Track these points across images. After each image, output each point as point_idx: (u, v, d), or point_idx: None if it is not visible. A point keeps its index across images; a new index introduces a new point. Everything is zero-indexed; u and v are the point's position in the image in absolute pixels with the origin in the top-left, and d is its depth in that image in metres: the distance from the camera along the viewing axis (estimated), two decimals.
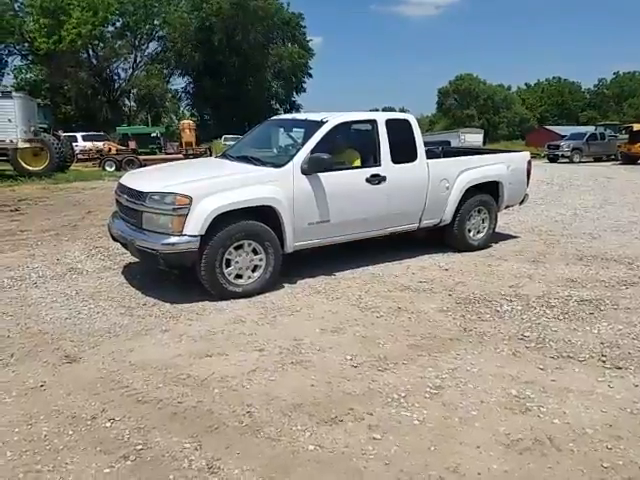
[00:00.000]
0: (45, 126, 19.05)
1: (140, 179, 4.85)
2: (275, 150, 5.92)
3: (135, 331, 3.74)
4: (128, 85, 43.37)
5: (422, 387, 2.93)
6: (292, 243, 4.64)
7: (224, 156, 5.74)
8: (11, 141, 15.73)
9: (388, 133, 5.14)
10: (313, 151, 4.67)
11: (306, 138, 4.88)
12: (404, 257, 5.73)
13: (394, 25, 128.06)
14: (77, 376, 3.05)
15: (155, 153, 21.94)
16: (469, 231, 5.97)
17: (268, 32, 43.78)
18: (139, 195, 4.30)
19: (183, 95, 48.58)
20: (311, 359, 3.31)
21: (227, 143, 29.11)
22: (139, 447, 2.36)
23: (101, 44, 40.05)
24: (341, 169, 4.98)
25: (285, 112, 49.49)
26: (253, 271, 4.49)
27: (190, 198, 4.08)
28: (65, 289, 4.67)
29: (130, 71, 43.23)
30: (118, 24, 40.69)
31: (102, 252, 6.02)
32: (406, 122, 5.45)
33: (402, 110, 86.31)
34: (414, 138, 5.38)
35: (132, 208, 4.40)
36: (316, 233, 4.83)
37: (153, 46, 44.16)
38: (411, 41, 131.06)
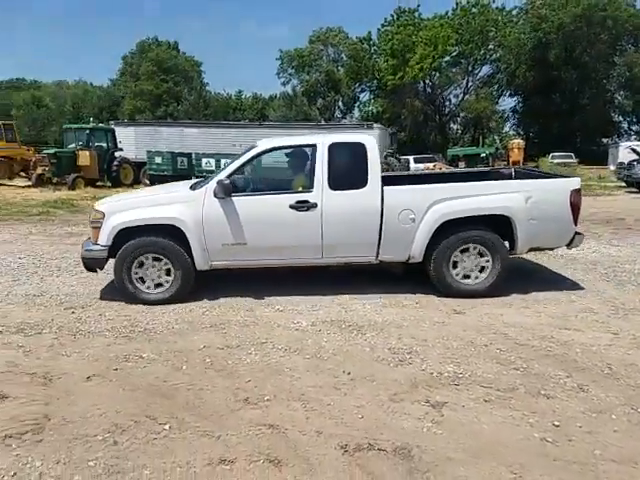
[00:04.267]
0: (391, 151, 22.91)
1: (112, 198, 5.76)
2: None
3: (496, 303, 4.83)
4: (457, 109, 46.50)
5: None
6: (205, 261, 4.84)
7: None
8: None
9: (330, 157, 4.82)
10: (231, 175, 4.83)
11: (232, 162, 5.05)
12: None
13: None
14: (465, 322, 4.32)
15: None
16: (459, 275, 4.91)
17: (615, 40, 39.52)
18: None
19: (510, 114, 48.74)
20: None
21: (554, 161, 27.93)
22: (525, 366, 3.38)
23: (437, 74, 44.44)
24: (263, 194, 5.03)
25: (629, 125, 43.55)
26: (167, 280, 4.85)
27: (103, 214, 4.84)
28: None
29: (461, 96, 46.30)
30: (454, 53, 44.30)
31: None
32: (359, 146, 4.94)
33: None
34: (366, 163, 4.85)
35: None
36: (234, 254, 4.89)
37: (485, 70, 46.06)
38: None
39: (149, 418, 2.77)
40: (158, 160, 18.44)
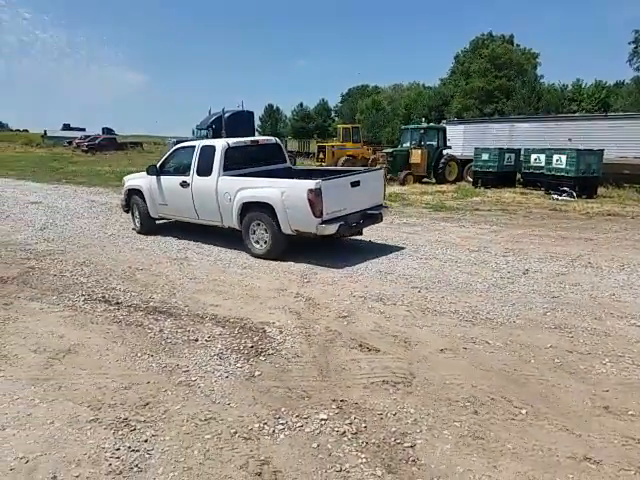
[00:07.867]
0: None
1: None
2: None
3: None
4: None
5: None
6: (154, 212, 8.42)
7: None
8: None
9: (200, 154, 7.56)
10: (162, 164, 8.24)
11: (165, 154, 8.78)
12: None
13: None
14: None
15: None
16: (257, 241, 6.94)
17: None
18: None
19: None
20: None
21: None
22: None
23: None
24: (171, 175, 8.05)
25: None
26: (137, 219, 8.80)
27: (124, 181, 9.13)
28: None
29: None
30: None
31: None
32: (213, 147, 7.44)
33: None
34: (213, 159, 7.29)
35: None
36: (166, 210, 8.28)
37: None
38: None
39: (504, 399, 2.95)
40: (485, 157, 18.42)
